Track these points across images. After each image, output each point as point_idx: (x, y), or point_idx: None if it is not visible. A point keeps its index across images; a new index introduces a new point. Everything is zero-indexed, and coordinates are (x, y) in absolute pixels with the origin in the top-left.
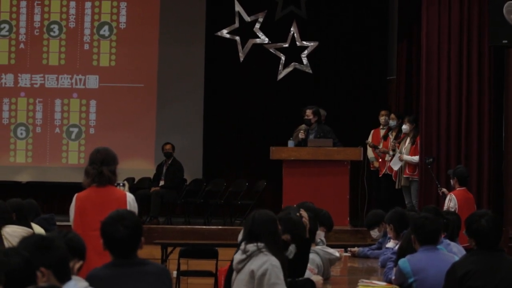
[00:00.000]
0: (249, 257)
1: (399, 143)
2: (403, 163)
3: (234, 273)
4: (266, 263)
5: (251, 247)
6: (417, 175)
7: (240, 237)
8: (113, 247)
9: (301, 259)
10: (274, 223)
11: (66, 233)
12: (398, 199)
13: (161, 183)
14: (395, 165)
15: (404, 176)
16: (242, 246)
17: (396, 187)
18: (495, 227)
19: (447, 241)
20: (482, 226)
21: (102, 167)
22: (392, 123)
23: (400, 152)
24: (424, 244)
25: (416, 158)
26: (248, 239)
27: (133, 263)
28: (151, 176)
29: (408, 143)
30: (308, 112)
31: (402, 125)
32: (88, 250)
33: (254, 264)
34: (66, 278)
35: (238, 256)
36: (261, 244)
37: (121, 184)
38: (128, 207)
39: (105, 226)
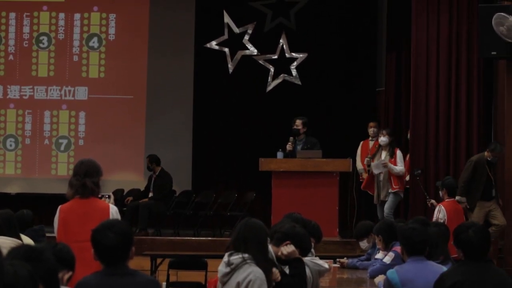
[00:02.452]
0: (233, 270)
1: (374, 156)
2: (382, 175)
3: (220, 285)
4: (250, 274)
5: (236, 259)
6: (401, 188)
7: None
8: (103, 254)
9: (299, 277)
10: (263, 232)
11: (55, 244)
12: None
13: (150, 194)
14: (376, 169)
15: (392, 191)
16: (226, 259)
17: (375, 202)
18: (483, 238)
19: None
20: (469, 237)
21: (85, 178)
22: (384, 139)
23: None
24: (412, 255)
25: (399, 168)
26: (236, 245)
27: (122, 273)
28: (140, 187)
29: (386, 155)
30: (298, 122)
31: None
32: None
33: (239, 277)
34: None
35: (223, 269)
36: (246, 255)
37: (106, 196)
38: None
39: (95, 234)
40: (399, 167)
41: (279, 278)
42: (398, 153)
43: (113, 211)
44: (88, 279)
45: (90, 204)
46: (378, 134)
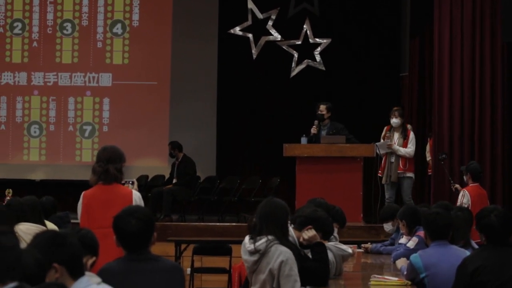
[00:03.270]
0: (262, 255)
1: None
2: (394, 157)
3: (249, 273)
4: (280, 255)
5: (261, 244)
6: (409, 170)
7: None
8: (125, 241)
9: (322, 261)
10: (286, 212)
11: (79, 229)
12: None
13: (174, 180)
14: (381, 149)
15: (398, 171)
16: (250, 247)
17: (383, 182)
18: (505, 222)
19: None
20: (491, 221)
21: (108, 165)
22: (396, 121)
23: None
24: (435, 239)
25: (406, 150)
26: (258, 225)
27: (145, 258)
28: (165, 173)
29: (399, 137)
30: (322, 107)
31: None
32: None
33: (270, 262)
34: (79, 274)
35: (250, 258)
36: (270, 237)
37: (130, 182)
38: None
39: (117, 220)
40: (408, 149)
41: (317, 238)
42: (411, 135)
43: (136, 197)
44: (111, 265)
45: (113, 190)
46: (390, 115)
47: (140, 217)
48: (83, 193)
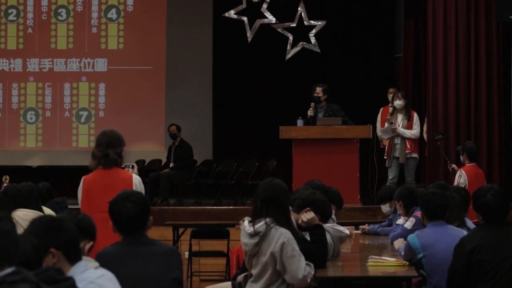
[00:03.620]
0: (262, 238)
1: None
2: (399, 138)
3: (247, 257)
4: (281, 237)
5: (261, 226)
6: (415, 151)
7: None
8: (121, 225)
9: (320, 243)
10: (286, 193)
11: (76, 214)
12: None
13: (171, 165)
14: (385, 134)
15: (406, 151)
16: (249, 229)
17: (387, 165)
18: (501, 201)
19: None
20: (488, 201)
21: (107, 149)
22: (400, 103)
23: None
24: (432, 219)
25: (411, 132)
26: (259, 207)
27: (142, 242)
28: (161, 158)
29: (403, 119)
30: (318, 89)
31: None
32: None
33: (271, 244)
34: (76, 258)
35: (251, 241)
36: (268, 220)
37: (130, 166)
38: (134, 189)
39: (112, 205)
40: (414, 130)
41: (316, 220)
42: (415, 116)
43: (136, 181)
44: (108, 249)
45: (113, 174)
46: (394, 97)
47: (136, 201)
48: (83, 177)
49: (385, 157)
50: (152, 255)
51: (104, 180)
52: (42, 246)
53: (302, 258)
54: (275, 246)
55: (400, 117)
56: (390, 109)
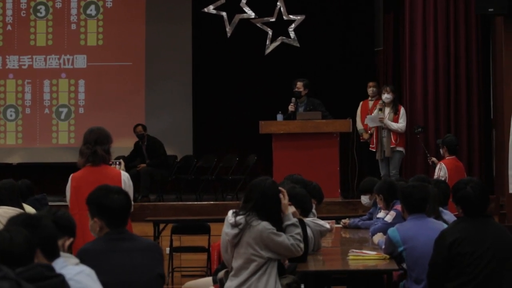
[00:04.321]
0: (241, 230)
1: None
2: (386, 131)
3: (229, 247)
4: (263, 230)
5: (241, 218)
6: (400, 145)
7: None
8: (111, 217)
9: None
10: (275, 193)
11: (55, 211)
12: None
13: (147, 161)
14: (372, 123)
15: (391, 146)
16: (231, 220)
17: (377, 157)
18: (481, 194)
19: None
20: (468, 193)
21: (96, 146)
22: (388, 96)
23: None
24: (413, 212)
25: (397, 125)
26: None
27: (125, 237)
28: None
29: (390, 112)
30: (299, 84)
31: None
32: (84, 229)
33: (252, 236)
34: (54, 255)
35: (231, 231)
36: (251, 213)
37: (117, 163)
38: (123, 186)
39: (99, 199)
40: (400, 124)
41: (296, 214)
42: (402, 110)
43: (125, 178)
44: (91, 245)
45: (101, 171)
46: (382, 91)
47: (120, 192)
48: (71, 175)
49: (372, 149)
50: (137, 250)
51: (92, 177)
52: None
53: (290, 240)
54: (261, 238)
55: (387, 111)
56: (370, 103)
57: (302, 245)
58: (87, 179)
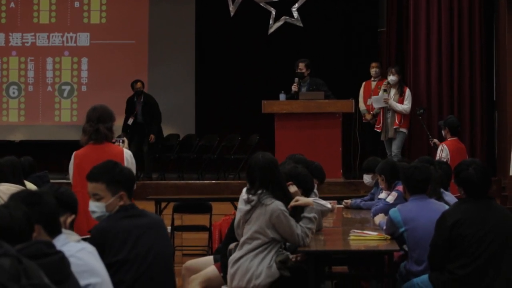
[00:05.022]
0: (253, 207)
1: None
2: (390, 112)
3: (241, 222)
4: (275, 209)
5: (254, 196)
6: (404, 126)
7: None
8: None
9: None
10: (277, 167)
11: (57, 188)
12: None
13: (140, 119)
14: (377, 103)
15: (394, 127)
16: (244, 196)
17: (382, 138)
18: (483, 175)
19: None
20: (470, 175)
21: (98, 124)
22: (393, 78)
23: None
24: (414, 193)
25: (402, 107)
26: (252, 183)
27: (139, 213)
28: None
29: (395, 93)
30: (301, 65)
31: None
32: (86, 206)
33: (263, 213)
34: (56, 232)
35: (244, 207)
36: (263, 191)
37: (120, 141)
38: (125, 164)
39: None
40: (405, 105)
41: (298, 193)
42: (408, 92)
43: (128, 156)
44: (112, 224)
45: (104, 149)
46: (388, 72)
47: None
48: (74, 153)
49: (377, 130)
50: (154, 228)
51: (95, 155)
52: (33, 216)
53: (298, 227)
54: (268, 216)
55: (393, 92)
56: (373, 83)
57: (307, 240)
58: (89, 157)
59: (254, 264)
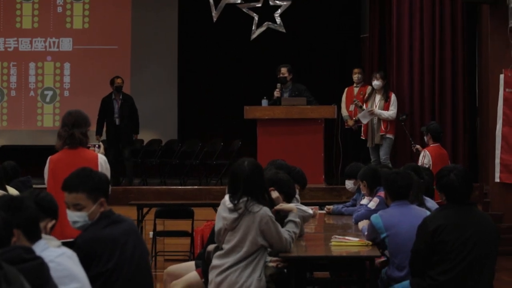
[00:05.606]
0: (241, 214)
1: (368, 100)
2: (376, 119)
3: (222, 230)
4: (264, 216)
5: (241, 203)
6: (390, 132)
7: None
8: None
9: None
10: (262, 173)
11: (38, 193)
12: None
13: (117, 122)
14: (364, 119)
15: (380, 133)
16: (230, 205)
17: (368, 145)
18: (465, 181)
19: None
20: (451, 180)
21: (73, 129)
22: (378, 83)
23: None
24: (396, 199)
25: (388, 113)
26: (234, 191)
27: (116, 219)
28: None
29: (380, 99)
30: (283, 69)
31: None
32: (60, 212)
33: (251, 221)
34: (36, 237)
35: (230, 215)
36: (249, 198)
37: (96, 146)
38: (99, 169)
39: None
40: (390, 111)
41: (280, 199)
42: (393, 97)
43: (102, 161)
44: (100, 232)
45: (78, 154)
46: (372, 78)
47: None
48: (49, 158)
49: (363, 138)
50: (133, 233)
51: (69, 160)
52: (12, 221)
53: (286, 233)
54: (260, 224)
55: (378, 98)
56: (355, 89)
57: (292, 244)
58: (64, 161)
59: (243, 275)
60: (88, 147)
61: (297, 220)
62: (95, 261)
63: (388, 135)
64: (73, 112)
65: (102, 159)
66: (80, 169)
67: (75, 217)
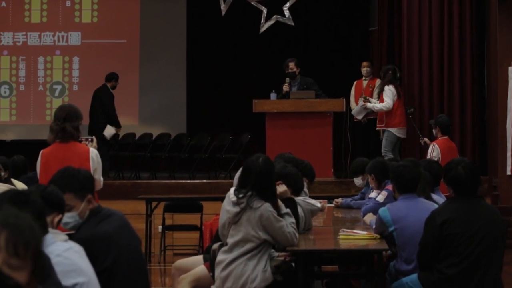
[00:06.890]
0: (243, 209)
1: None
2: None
3: (227, 223)
4: (265, 211)
5: (244, 197)
6: (390, 125)
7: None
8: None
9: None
10: (272, 170)
11: (44, 187)
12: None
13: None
14: (359, 115)
15: (386, 129)
16: (233, 198)
17: (381, 138)
18: (472, 174)
19: None
20: (459, 174)
21: (65, 123)
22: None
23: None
24: (403, 192)
25: (382, 104)
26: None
27: (108, 214)
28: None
29: (377, 91)
30: (291, 64)
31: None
32: None
33: (253, 216)
34: (43, 232)
35: (232, 209)
36: (252, 193)
37: (89, 140)
38: (91, 162)
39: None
40: (384, 103)
41: (288, 193)
42: (387, 88)
43: (93, 155)
44: (103, 228)
45: (70, 148)
46: (380, 74)
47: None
48: (41, 151)
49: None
50: (124, 226)
51: (61, 153)
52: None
53: (289, 227)
54: (260, 220)
55: (375, 93)
56: (364, 82)
57: (297, 235)
58: (56, 155)
59: (248, 268)
60: (81, 141)
61: (286, 210)
62: (93, 260)
63: (389, 129)
64: (65, 106)
65: (93, 152)
66: (63, 170)
67: (66, 218)
